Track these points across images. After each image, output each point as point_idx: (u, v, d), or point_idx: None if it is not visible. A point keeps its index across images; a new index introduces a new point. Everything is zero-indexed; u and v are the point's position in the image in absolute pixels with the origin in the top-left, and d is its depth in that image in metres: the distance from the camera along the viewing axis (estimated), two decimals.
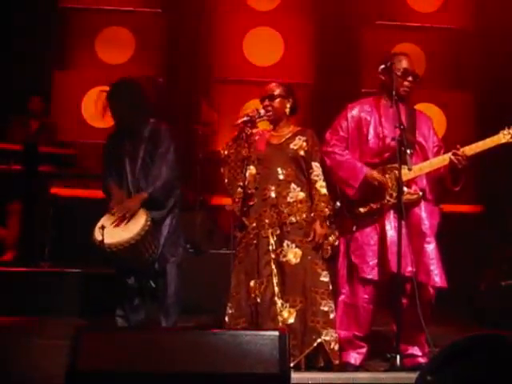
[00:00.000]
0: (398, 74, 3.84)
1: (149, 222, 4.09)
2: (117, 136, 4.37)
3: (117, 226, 4.09)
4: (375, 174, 3.84)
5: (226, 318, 3.86)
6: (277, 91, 4.04)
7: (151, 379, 2.49)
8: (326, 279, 3.85)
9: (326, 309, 3.80)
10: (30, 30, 7.03)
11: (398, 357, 3.63)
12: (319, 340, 3.75)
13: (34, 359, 3.88)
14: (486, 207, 7.34)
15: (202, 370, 2.49)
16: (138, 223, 4.08)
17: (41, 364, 3.71)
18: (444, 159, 3.82)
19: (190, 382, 2.48)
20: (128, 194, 4.26)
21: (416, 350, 3.88)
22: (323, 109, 7.17)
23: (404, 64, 3.90)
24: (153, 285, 4.28)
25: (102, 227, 3.95)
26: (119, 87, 4.29)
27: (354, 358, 3.88)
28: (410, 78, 3.90)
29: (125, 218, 4.10)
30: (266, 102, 4.02)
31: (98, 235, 3.99)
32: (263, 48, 7.85)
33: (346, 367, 3.84)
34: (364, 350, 3.92)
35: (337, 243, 3.93)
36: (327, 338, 3.76)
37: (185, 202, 6.27)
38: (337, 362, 3.78)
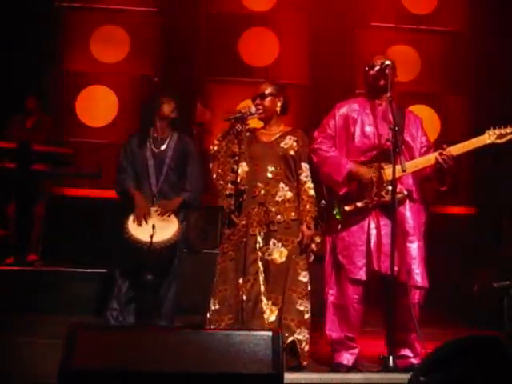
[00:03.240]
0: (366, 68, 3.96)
1: (181, 224, 4.37)
2: (140, 138, 4.53)
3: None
4: (361, 169, 3.85)
5: (208, 315, 3.86)
6: (268, 90, 4.07)
7: (144, 378, 2.48)
8: (305, 279, 3.87)
9: (301, 308, 3.82)
10: (25, 28, 6.99)
11: (391, 357, 3.64)
12: (292, 338, 3.76)
13: (31, 358, 3.88)
14: (479, 208, 7.35)
15: (195, 369, 2.48)
16: (173, 224, 4.34)
17: (37, 362, 3.71)
18: (429, 159, 3.82)
19: (184, 382, 2.48)
20: (151, 198, 4.42)
21: (407, 352, 3.89)
22: (317, 109, 7.17)
23: (372, 61, 3.96)
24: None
25: (153, 226, 4.16)
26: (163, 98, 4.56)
27: (347, 358, 3.89)
28: (376, 68, 3.92)
29: (163, 215, 4.36)
30: (258, 101, 4.05)
31: (144, 235, 4.18)
32: (258, 48, 7.84)
33: (338, 368, 3.85)
34: (356, 351, 3.92)
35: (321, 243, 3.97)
36: (300, 337, 3.78)
37: None
38: (305, 363, 3.80)
